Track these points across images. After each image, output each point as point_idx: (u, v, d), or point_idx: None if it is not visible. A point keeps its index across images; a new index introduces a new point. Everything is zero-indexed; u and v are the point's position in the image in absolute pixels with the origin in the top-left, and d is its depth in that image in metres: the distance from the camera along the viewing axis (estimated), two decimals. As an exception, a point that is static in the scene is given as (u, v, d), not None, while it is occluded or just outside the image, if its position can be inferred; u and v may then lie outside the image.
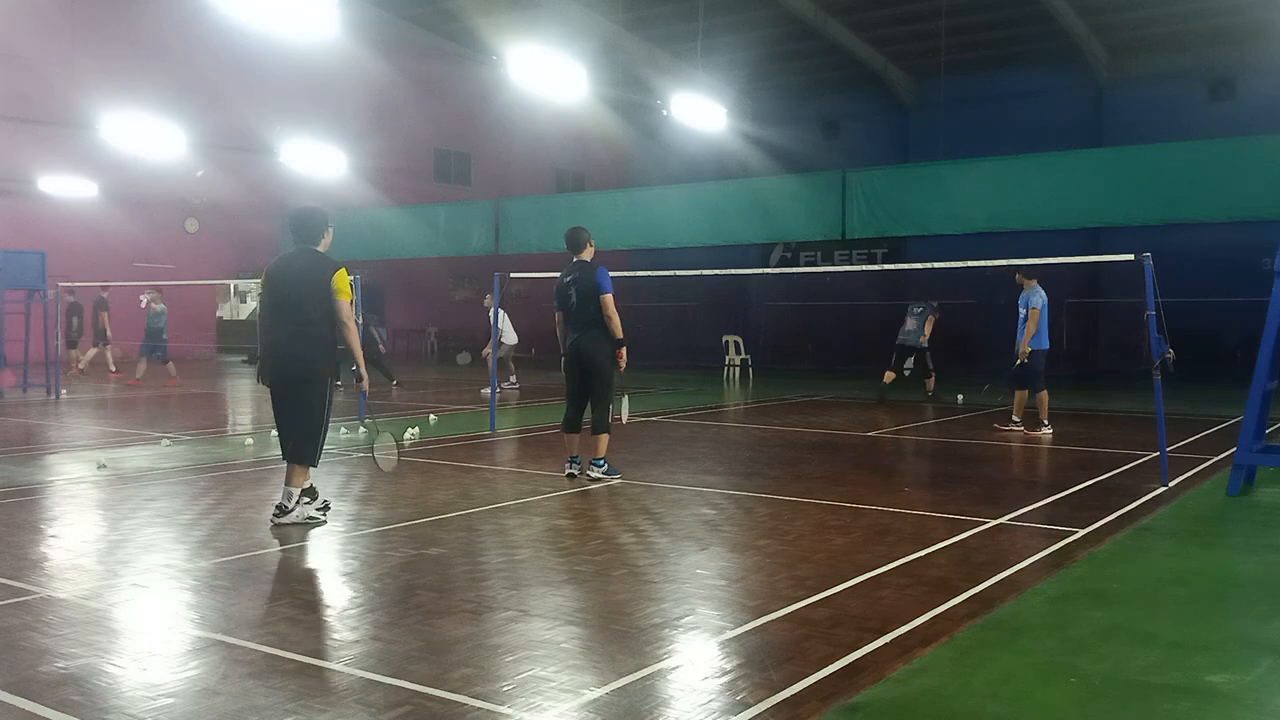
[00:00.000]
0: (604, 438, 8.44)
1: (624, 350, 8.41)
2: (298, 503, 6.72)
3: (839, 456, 10.42)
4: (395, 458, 7.80)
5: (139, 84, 23.39)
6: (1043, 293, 11.92)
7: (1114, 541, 6.40)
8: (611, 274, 8.50)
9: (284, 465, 6.84)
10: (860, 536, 6.48)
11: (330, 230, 7.00)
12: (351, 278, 8.59)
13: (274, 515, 6.71)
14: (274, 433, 10.79)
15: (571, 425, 8.60)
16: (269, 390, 6.79)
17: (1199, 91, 25.52)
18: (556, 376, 12.73)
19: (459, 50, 30.50)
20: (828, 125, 31.69)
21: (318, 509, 6.87)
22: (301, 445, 6.69)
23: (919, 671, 4.07)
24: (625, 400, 8.88)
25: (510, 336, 18.38)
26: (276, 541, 6.37)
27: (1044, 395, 12.09)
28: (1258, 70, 24.55)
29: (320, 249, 6.89)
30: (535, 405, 16.05)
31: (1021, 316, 11.91)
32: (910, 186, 19.37)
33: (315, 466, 6.81)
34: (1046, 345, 12.00)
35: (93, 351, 20.76)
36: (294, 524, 6.66)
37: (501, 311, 18.55)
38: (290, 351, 6.63)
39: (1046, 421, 12.05)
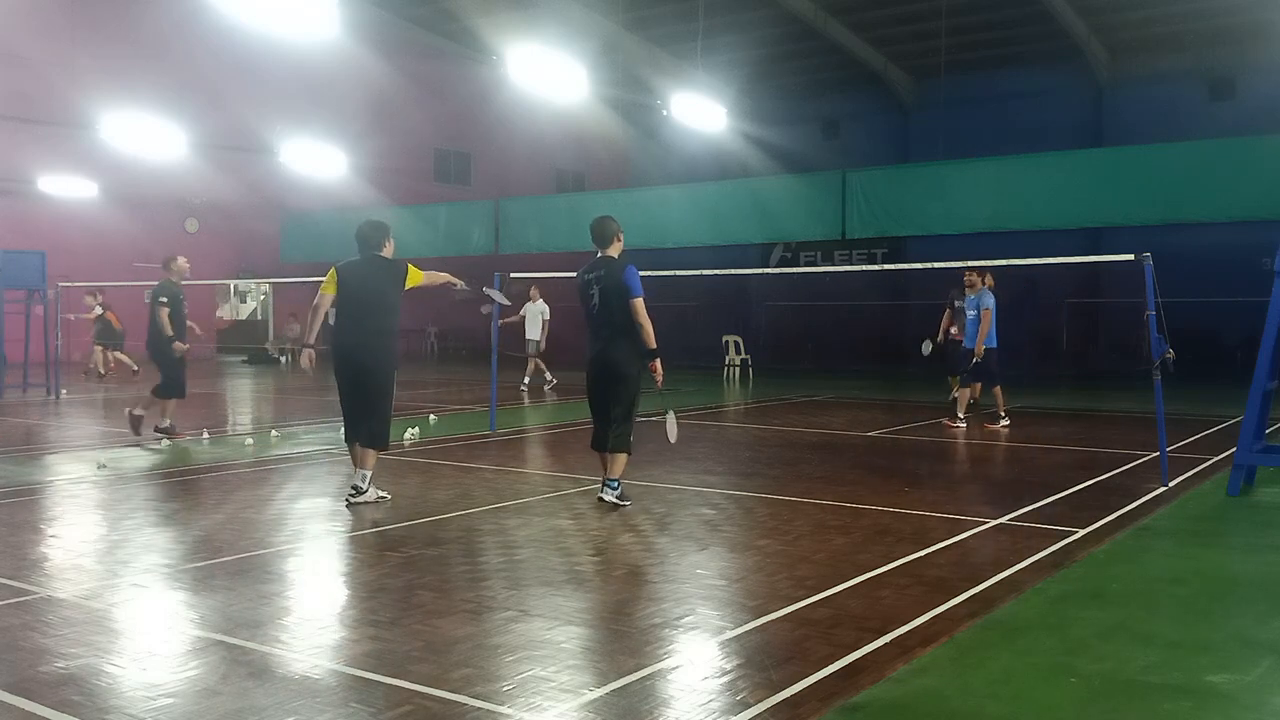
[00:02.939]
0: (622, 457, 7.48)
1: (658, 363, 7.39)
2: (370, 484, 7.47)
3: (839, 456, 10.42)
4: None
5: (139, 84, 23.39)
6: (992, 295, 12.53)
7: (1114, 541, 6.40)
8: None
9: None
10: (860, 536, 6.47)
11: (390, 241, 7.80)
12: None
13: (349, 496, 7.43)
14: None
15: (602, 443, 7.55)
16: (339, 382, 7.55)
17: (1199, 91, 25.51)
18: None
19: (459, 50, 30.49)
20: (828, 125, 31.68)
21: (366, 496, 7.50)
22: (375, 433, 7.47)
23: (919, 671, 4.07)
24: (672, 417, 7.71)
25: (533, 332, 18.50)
26: (276, 541, 6.38)
27: (999, 390, 12.73)
28: (1258, 70, 24.54)
29: (384, 255, 7.72)
30: (536, 406, 16.06)
31: (971, 317, 12.51)
32: (910, 186, 19.36)
33: (386, 450, 7.75)
34: (995, 344, 12.54)
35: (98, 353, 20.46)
36: (367, 503, 7.37)
37: (541, 304, 18.59)
38: (360, 350, 7.44)
39: (1004, 414, 12.62)
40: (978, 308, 12.41)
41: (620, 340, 7.35)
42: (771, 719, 3.61)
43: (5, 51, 22.51)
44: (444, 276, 8.03)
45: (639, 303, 7.28)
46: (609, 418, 7.45)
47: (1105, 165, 17.89)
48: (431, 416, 13.15)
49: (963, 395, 12.84)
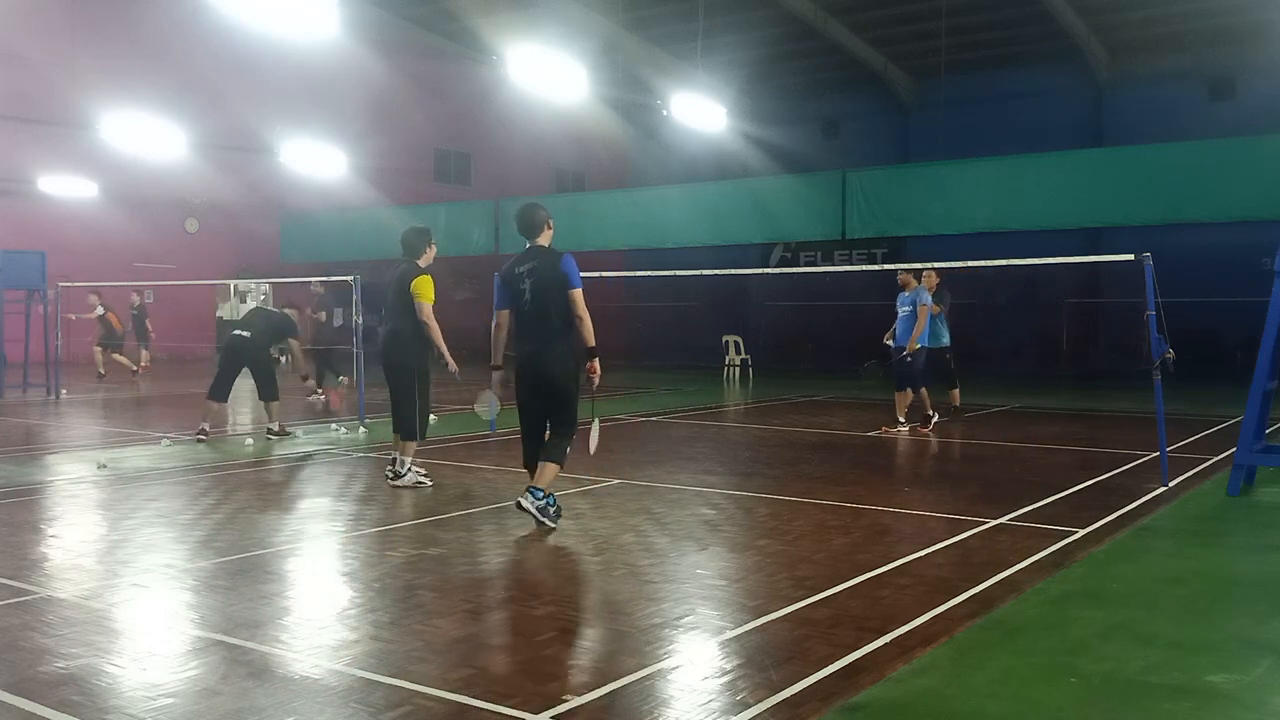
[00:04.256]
0: (554, 468, 6.64)
1: (597, 362, 6.65)
2: (409, 469, 8.14)
3: (839, 456, 10.42)
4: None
5: (139, 84, 23.37)
6: (928, 293, 12.13)
7: (1114, 541, 6.40)
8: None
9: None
10: (860, 536, 6.48)
11: (431, 247, 8.31)
12: (350, 277, 9.40)
13: (388, 478, 8.16)
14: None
15: (534, 461, 6.77)
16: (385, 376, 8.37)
17: (1199, 91, 25.50)
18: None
19: (459, 50, 30.48)
20: (828, 125, 31.66)
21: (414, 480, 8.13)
22: (403, 423, 8.15)
23: (919, 671, 4.07)
24: (596, 425, 6.94)
25: None
26: (276, 541, 6.38)
27: (925, 393, 12.19)
28: (1258, 70, 24.53)
29: (420, 262, 8.18)
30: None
31: (904, 314, 12.05)
32: (910, 186, 19.34)
33: (418, 440, 8.20)
34: (927, 343, 12.13)
35: (99, 353, 20.38)
36: (406, 486, 8.03)
37: None
38: (386, 347, 8.19)
39: (924, 417, 12.19)
40: (912, 304, 11.85)
41: (555, 341, 6.63)
42: (771, 719, 3.61)
43: (5, 51, 22.50)
44: (440, 341, 8.15)
45: (578, 294, 6.58)
46: (544, 432, 6.74)
47: (1105, 165, 17.88)
48: (431, 416, 13.12)
49: (900, 399, 12.14)
